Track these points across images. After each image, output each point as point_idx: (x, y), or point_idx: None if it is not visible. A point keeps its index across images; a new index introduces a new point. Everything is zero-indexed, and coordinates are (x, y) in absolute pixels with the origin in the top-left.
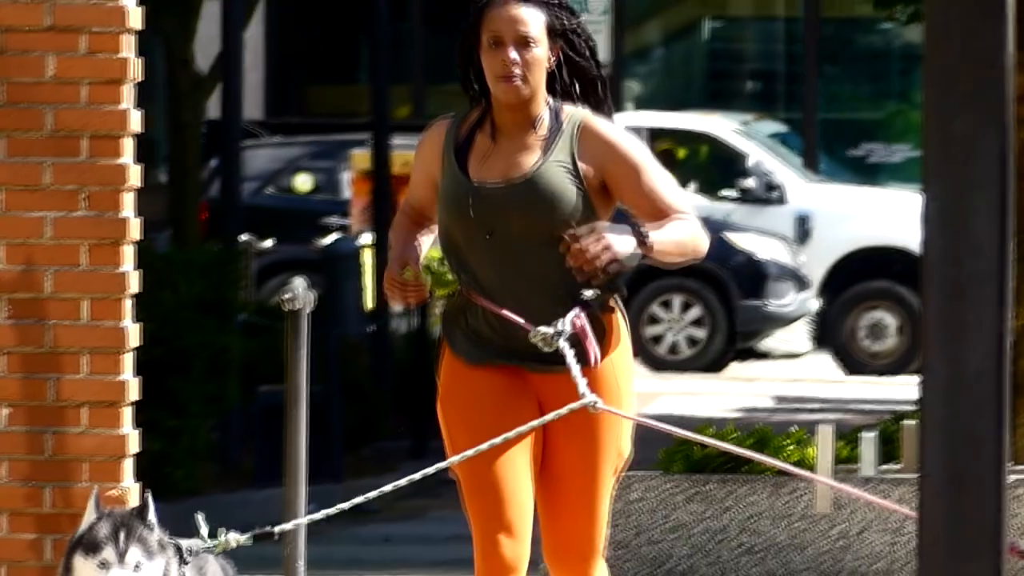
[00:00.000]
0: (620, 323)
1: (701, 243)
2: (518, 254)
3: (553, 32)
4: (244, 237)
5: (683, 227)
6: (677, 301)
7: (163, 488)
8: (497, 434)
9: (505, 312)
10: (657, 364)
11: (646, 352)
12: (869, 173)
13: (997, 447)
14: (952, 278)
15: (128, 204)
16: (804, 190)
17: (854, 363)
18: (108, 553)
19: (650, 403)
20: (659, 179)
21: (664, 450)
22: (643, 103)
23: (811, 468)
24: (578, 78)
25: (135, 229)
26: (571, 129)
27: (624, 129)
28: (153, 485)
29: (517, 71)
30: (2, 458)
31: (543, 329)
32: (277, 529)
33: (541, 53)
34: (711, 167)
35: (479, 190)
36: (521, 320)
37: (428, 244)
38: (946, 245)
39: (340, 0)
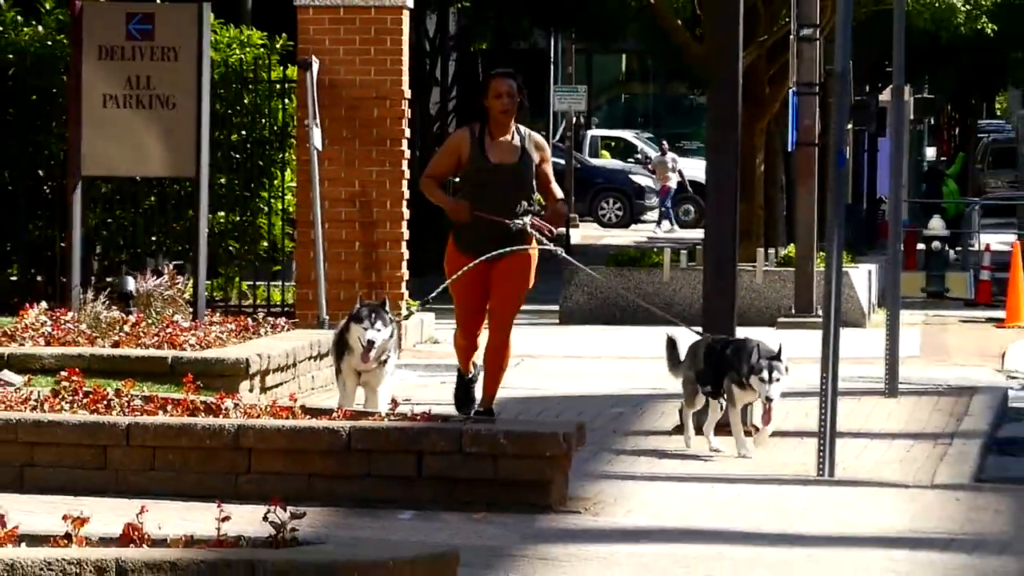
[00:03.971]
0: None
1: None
2: (503, 192)
3: (519, 90)
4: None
5: (560, 193)
6: (611, 199)
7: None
8: (472, 286)
9: (495, 217)
10: (604, 224)
11: (599, 218)
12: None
13: None
14: None
15: (404, 140)
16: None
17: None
18: (367, 323)
19: (599, 241)
20: (551, 170)
21: None
22: (597, 126)
23: None
24: (521, 107)
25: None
26: (527, 137)
27: (544, 140)
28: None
29: (509, 107)
30: (335, 202)
31: (517, 222)
32: (433, 295)
33: (516, 99)
34: (624, 151)
35: (495, 166)
36: (506, 220)
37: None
38: None
39: None
